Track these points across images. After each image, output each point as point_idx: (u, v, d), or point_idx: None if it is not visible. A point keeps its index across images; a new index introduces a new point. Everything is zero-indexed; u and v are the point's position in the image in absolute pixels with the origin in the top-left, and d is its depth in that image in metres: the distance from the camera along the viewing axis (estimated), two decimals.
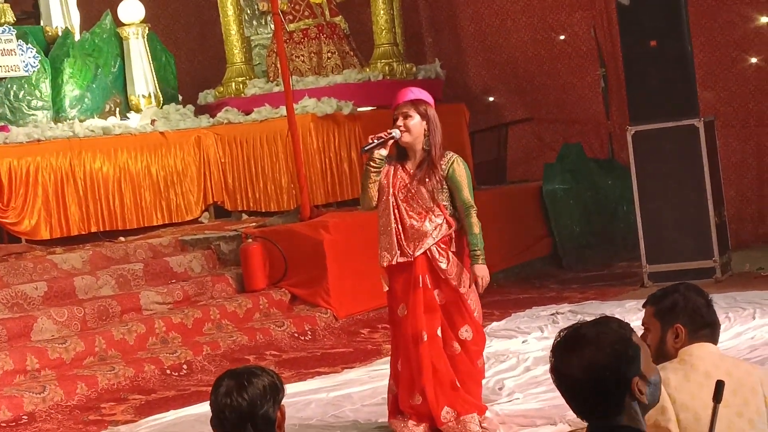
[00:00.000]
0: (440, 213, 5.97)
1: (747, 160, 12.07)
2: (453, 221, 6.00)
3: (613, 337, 2.85)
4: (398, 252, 5.97)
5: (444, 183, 5.97)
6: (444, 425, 5.99)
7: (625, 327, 2.89)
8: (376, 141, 5.93)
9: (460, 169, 5.99)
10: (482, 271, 5.93)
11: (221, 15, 12.37)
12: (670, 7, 9.92)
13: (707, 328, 3.67)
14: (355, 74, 12.08)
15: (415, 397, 6.02)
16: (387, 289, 6.09)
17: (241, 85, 12.19)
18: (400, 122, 5.96)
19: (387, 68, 12.25)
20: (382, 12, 12.45)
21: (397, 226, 5.98)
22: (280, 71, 10.72)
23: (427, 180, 5.96)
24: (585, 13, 12.92)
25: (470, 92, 13.41)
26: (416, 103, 6.00)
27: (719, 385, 3.05)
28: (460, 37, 13.58)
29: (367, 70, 12.21)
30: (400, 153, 6.05)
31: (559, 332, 2.91)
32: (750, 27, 11.91)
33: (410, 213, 5.97)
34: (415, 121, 5.96)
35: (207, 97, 12.43)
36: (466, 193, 5.97)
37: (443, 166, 5.97)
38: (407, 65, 12.50)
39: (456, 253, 6.01)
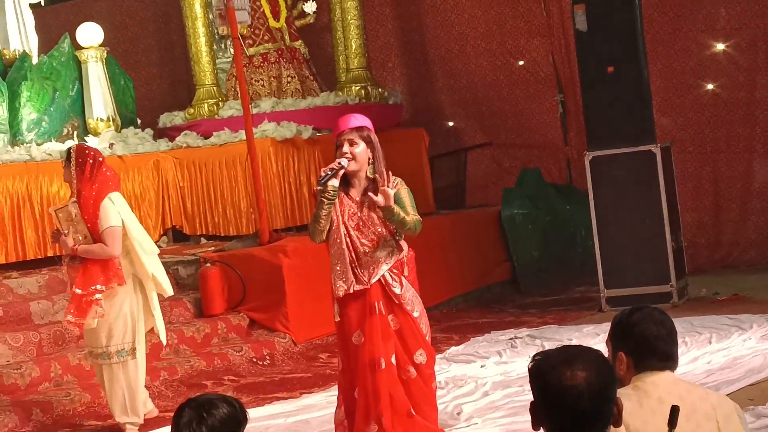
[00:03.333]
0: (390, 238, 5.93)
1: (703, 186, 12.17)
2: (403, 246, 6.00)
3: (599, 353, 2.85)
4: (354, 280, 5.91)
5: None
6: None
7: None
8: (329, 172, 5.81)
9: (404, 190, 5.93)
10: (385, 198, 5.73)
11: (191, 36, 12.10)
12: (627, 34, 10.01)
13: (654, 358, 3.63)
14: (333, 97, 12.11)
15: (370, 426, 5.95)
16: (339, 319, 6.02)
17: (214, 107, 12.07)
18: (346, 149, 5.87)
19: (363, 92, 12.33)
20: (355, 36, 12.50)
21: (351, 254, 5.91)
22: (239, 95, 10.69)
23: (377, 206, 5.91)
24: (543, 40, 13.01)
25: (429, 117, 13.45)
26: (360, 130, 5.91)
27: (674, 411, 3.06)
28: (419, 63, 13.63)
29: (341, 93, 12.24)
30: (343, 181, 5.93)
31: (540, 355, 2.84)
32: (706, 54, 12.04)
33: (362, 240, 5.91)
34: (361, 149, 5.88)
35: (174, 119, 12.21)
36: (412, 210, 5.90)
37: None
38: (380, 89, 12.57)
39: (408, 277, 6.01)
